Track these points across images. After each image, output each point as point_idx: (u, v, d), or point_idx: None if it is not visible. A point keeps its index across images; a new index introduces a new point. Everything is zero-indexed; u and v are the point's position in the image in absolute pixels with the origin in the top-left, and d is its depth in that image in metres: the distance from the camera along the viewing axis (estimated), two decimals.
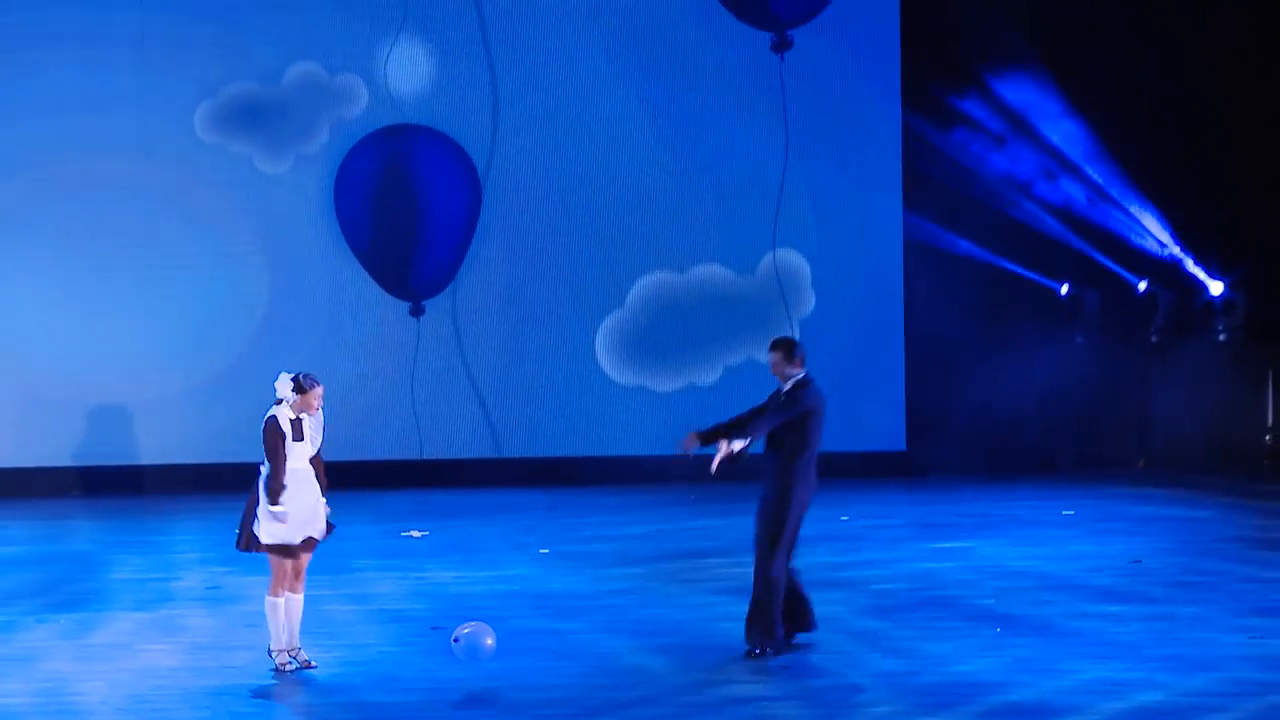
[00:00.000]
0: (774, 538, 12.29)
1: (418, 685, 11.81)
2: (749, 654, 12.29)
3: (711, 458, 11.97)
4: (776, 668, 12.20)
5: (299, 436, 12.11)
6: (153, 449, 23.20)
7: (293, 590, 12.14)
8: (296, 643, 12.21)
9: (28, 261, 23.03)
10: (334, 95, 23.47)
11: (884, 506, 21.30)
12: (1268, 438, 25.10)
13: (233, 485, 22.46)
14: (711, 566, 16.44)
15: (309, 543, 12.15)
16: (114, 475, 23.05)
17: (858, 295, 24.14)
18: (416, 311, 23.47)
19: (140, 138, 23.12)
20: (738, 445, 11.96)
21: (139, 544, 18.66)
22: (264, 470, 12.07)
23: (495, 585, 15.53)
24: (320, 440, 12.24)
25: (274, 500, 11.94)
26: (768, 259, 23.95)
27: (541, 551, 17.68)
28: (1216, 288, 24.97)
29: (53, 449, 23.02)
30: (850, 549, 17.76)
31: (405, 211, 23.59)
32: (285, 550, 12.05)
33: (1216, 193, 24.20)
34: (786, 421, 12.15)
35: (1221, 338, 25.12)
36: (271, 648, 12.18)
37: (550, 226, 23.75)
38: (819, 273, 24.10)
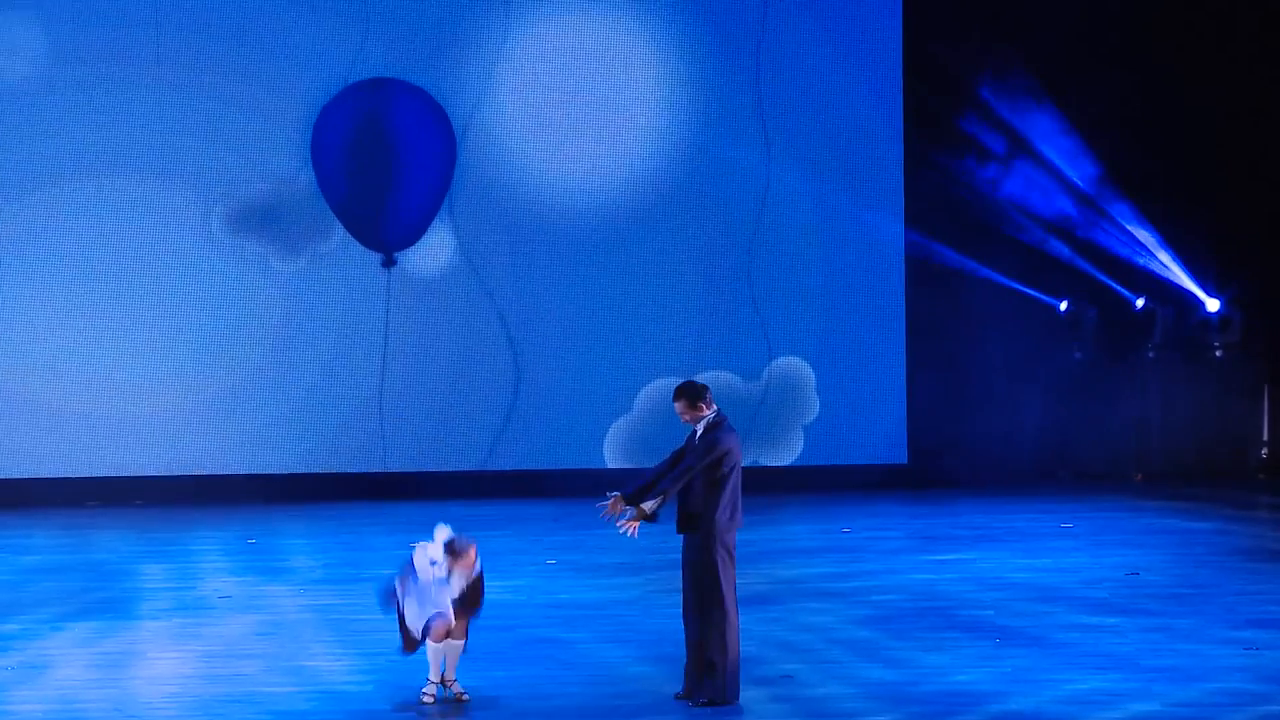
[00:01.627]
0: (710, 595, 11.48)
1: None
2: (696, 703, 11.47)
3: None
4: (776, 677, 12.31)
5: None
6: (169, 460, 23.31)
7: (455, 637, 11.71)
8: (452, 675, 11.78)
9: (45, 275, 23.14)
10: None
11: (885, 519, 21.37)
12: (1263, 451, 25.17)
13: (241, 496, 22.84)
14: None
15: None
16: (131, 485, 23.17)
17: (860, 310, 24.21)
18: (388, 263, 23.55)
19: (157, 162, 23.27)
20: (649, 506, 11.35)
21: (155, 553, 18.74)
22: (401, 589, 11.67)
23: (503, 595, 15.57)
24: (467, 590, 11.73)
25: (406, 649, 11.70)
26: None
27: (549, 562, 17.81)
28: (1213, 304, 25.06)
29: (75, 459, 23.12)
30: (851, 560, 17.87)
31: (380, 164, 23.65)
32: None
33: (1213, 210, 24.29)
34: (705, 466, 11.36)
35: (1218, 354, 25.18)
36: (429, 677, 11.75)
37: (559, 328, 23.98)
38: (821, 287, 24.19)
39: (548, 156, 23.83)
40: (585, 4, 23.90)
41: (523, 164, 23.80)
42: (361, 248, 23.55)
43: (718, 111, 24.02)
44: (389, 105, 23.61)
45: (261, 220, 23.36)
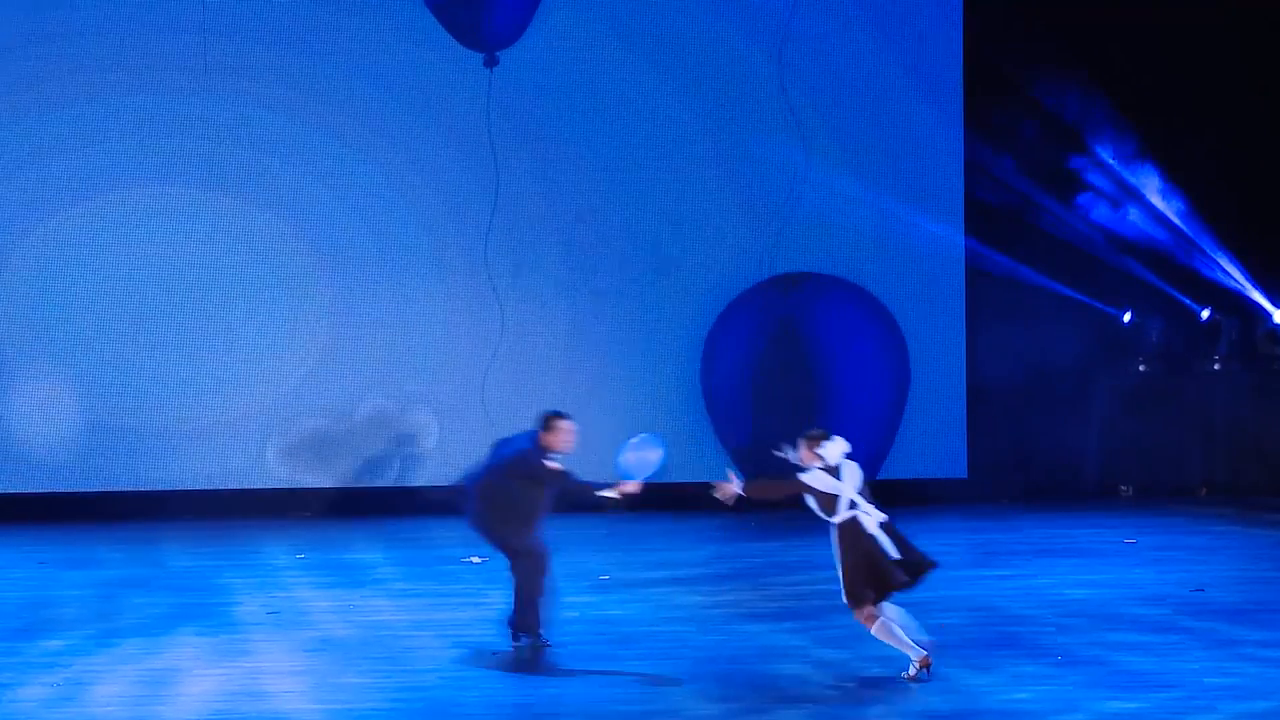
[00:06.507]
0: None
1: (476, 711, 11.91)
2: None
3: None
4: (832, 696, 12.27)
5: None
6: (234, 472, 23.29)
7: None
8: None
9: (95, 285, 23.15)
10: (405, 431, 23.50)
11: (944, 534, 21.14)
12: None
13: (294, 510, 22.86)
14: (773, 588, 16.56)
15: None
16: (192, 500, 23.17)
17: (919, 321, 24.06)
18: (490, 62, 23.14)
19: (203, 163, 23.24)
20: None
21: (209, 569, 18.71)
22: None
23: (555, 611, 15.51)
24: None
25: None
26: None
27: (602, 578, 17.70)
28: None
29: (126, 473, 23.10)
30: None
31: None
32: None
33: None
34: None
35: None
36: (911, 657, 12.43)
37: None
38: (881, 295, 24.04)
39: None
40: None
41: None
42: None
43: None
44: None
45: None
